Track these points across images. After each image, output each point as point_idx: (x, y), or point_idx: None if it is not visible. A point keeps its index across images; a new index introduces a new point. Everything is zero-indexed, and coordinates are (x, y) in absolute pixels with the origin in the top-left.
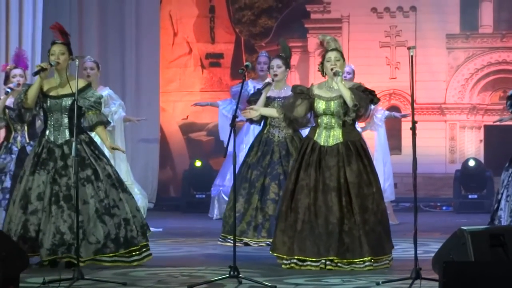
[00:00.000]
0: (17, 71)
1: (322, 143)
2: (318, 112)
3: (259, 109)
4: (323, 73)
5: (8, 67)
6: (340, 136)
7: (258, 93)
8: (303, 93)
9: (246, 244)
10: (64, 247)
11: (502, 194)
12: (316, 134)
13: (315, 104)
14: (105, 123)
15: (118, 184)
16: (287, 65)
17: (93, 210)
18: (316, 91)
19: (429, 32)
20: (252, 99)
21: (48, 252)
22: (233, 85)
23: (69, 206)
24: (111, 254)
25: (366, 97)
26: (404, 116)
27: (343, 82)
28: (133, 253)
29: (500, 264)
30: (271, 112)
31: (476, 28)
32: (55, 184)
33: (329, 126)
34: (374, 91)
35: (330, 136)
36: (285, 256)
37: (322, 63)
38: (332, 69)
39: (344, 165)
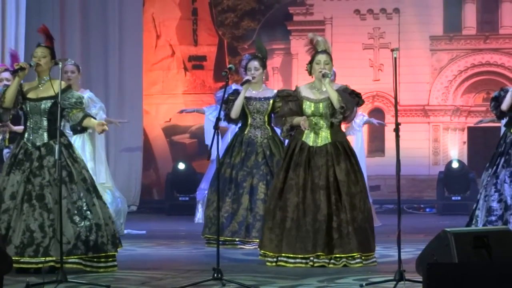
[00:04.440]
0: (5, 75)
1: (311, 144)
2: (306, 114)
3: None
4: (310, 73)
5: None
6: (329, 136)
7: (236, 92)
8: (290, 96)
9: (237, 245)
10: (32, 249)
11: (481, 194)
12: (304, 135)
13: (303, 106)
14: (91, 116)
15: (93, 189)
16: (264, 66)
17: (65, 210)
18: (303, 93)
19: (413, 34)
20: (231, 98)
21: (16, 250)
22: (217, 88)
23: (41, 205)
24: (82, 256)
25: (352, 100)
26: (381, 124)
27: (330, 84)
28: (101, 259)
29: (484, 266)
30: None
31: (459, 30)
32: (29, 183)
33: (318, 127)
34: (359, 94)
35: (319, 137)
36: (271, 254)
37: (310, 63)
38: (321, 72)
39: (334, 164)
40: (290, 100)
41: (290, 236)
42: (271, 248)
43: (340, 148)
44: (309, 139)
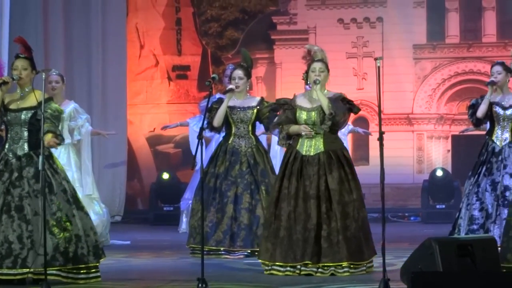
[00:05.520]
0: None
1: (304, 153)
2: (300, 122)
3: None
4: (307, 82)
5: None
6: (321, 145)
7: (219, 101)
8: (287, 104)
9: (221, 255)
10: (10, 260)
11: (463, 202)
12: (299, 144)
13: (297, 114)
14: (56, 134)
15: (73, 200)
16: (249, 75)
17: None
18: (298, 102)
19: (396, 43)
20: (215, 107)
21: None
22: (201, 98)
23: (20, 217)
24: (60, 268)
25: (343, 106)
26: (367, 133)
27: (321, 91)
28: (81, 271)
29: (468, 274)
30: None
31: (443, 38)
32: (8, 194)
33: (311, 135)
34: (352, 101)
35: (311, 145)
36: (267, 262)
37: (307, 72)
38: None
39: (326, 173)
40: (287, 109)
41: (282, 245)
42: (267, 257)
43: (333, 157)
44: (302, 148)
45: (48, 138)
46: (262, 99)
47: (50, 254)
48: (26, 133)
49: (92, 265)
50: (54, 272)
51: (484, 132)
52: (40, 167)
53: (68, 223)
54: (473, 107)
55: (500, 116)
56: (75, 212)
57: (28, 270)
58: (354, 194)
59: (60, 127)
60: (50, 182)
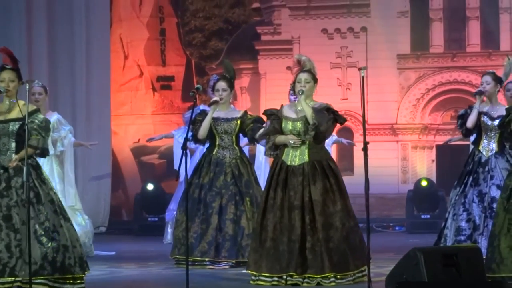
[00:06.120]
0: None
1: (289, 163)
2: (286, 132)
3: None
4: (295, 93)
5: None
6: (306, 156)
7: (203, 113)
8: (273, 114)
9: (206, 266)
10: None
11: (449, 212)
12: (284, 154)
13: (283, 124)
14: (35, 148)
15: (60, 211)
16: (232, 86)
17: (32, 231)
18: (284, 112)
19: (380, 53)
20: (198, 119)
21: None
22: (185, 109)
23: (8, 226)
24: (48, 277)
25: (327, 116)
26: (351, 144)
27: (306, 101)
28: (67, 281)
29: (453, 284)
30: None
31: (427, 48)
32: None
33: (296, 145)
34: (337, 111)
35: (296, 156)
36: (254, 273)
37: (294, 83)
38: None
39: (309, 184)
40: (273, 119)
41: (269, 255)
42: (255, 268)
43: (318, 167)
44: (288, 158)
45: (20, 155)
46: (245, 112)
47: (39, 263)
48: (13, 144)
49: (78, 276)
50: (42, 281)
51: (468, 142)
52: (24, 178)
53: (55, 233)
54: (462, 117)
55: (487, 127)
56: (62, 222)
57: (17, 278)
58: (338, 204)
59: (49, 138)
60: (37, 192)
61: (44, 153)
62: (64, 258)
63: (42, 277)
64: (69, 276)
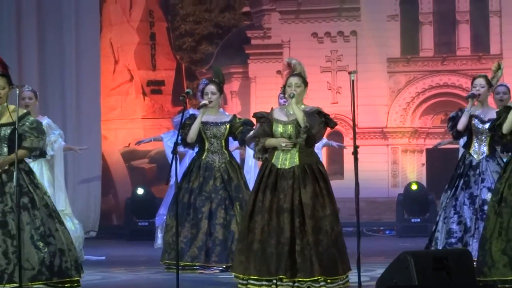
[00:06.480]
0: None
1: (279, 166)
2: (276, 135)
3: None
4: (285, 96)
5: None
6: (297, 159)
7: (192, 117)
8: (263, 117)
9: (196, 270)
10: None
11: (440, 216)
12: (274, 157)
13: (274, 127)
14: (29, 150)
15: (55, 215)
16: (221, 91)
17: (28, 237)
18: (275, 115)
19: (370, 57)
20: (188, 123)
21: None
22: (175, 113)
23: (4, 232)
24: (46, 281)
25: (318, 120)
26: (341, 146)
27: (297, 105)
28: (66, 285)
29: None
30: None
31: (417, 52)
32: None
33: (287, 149)
34: (328, 115)
35: (287, 159)
36: (241, 276)
37: (284, 87)
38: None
39: (300, 187)
40: (263, 122)
41: (256, 258)
42: (241, 270)
43: (308, 171)
44: (278, 161)
45: (9, 158)
46: (234, 115)
47: (37, 268)
48: (6, 149)
49: (75, 279)
50: (41, 286)
51: (458, 146)
52: (14, 183)
53: (51, 238)
54: (453, 120)
55: (478, 130)
56: (58, 226)
57: (15, 285)
58: (328, 209)
59: (46, 138)
60: (32, 197)
61: (42, 153)
62: (61, 262)
63: (40, 282)
64: (67, 279)
